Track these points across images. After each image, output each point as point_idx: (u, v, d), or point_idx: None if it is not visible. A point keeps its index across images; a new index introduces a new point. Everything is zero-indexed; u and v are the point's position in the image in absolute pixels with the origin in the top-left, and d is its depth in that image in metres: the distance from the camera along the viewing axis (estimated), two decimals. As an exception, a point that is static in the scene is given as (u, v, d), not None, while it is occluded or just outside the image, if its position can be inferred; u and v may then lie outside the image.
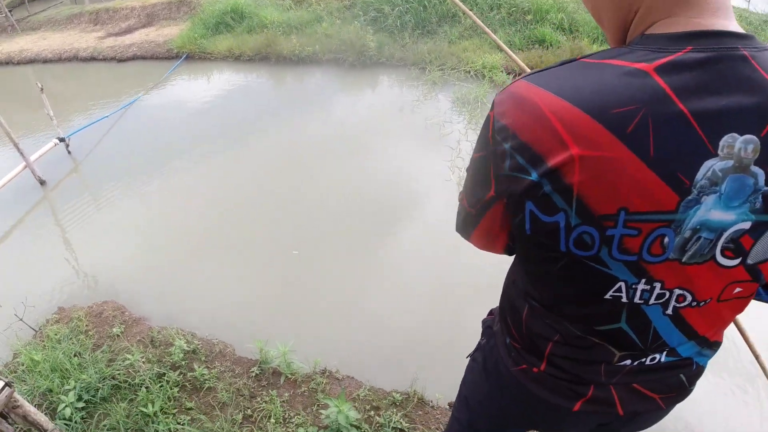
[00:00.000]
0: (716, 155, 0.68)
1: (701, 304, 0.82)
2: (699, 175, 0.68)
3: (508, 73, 7.47)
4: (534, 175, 0.74)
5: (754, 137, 0.67)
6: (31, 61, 12.27)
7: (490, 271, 3.74)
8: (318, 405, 2.94)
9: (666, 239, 0.73)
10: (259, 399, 3.04)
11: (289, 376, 3.17)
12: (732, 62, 0.67)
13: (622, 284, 0.79)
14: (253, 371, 3.25)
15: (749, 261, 0.76)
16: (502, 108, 0.78)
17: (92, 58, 11.24)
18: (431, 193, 5.11)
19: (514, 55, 1.67)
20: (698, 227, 0.72)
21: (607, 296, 0.82)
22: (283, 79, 8.91)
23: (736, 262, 0.76)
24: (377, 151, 6.10)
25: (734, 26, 0.71)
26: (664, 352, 0.94)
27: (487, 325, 1.28)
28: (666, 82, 0.67)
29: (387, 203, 5.02)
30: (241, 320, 3.85)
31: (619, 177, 0.69)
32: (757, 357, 1.74)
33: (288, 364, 3.20)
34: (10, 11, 15.45)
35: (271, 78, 8.98)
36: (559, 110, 0.70)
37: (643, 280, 0.78)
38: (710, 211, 0.71)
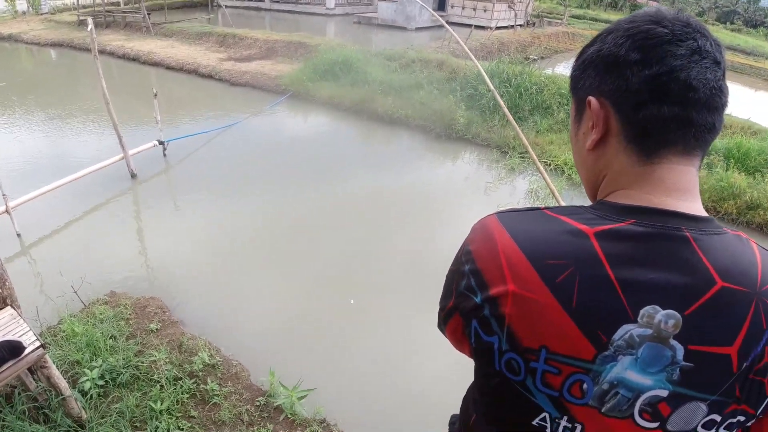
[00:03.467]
0: (635, 321, 0.72)
1: None
2: (616, 335, 0.73)
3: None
4: (479, 298, 0.83)
5: (677, 314, 0.71)
6: (156, 65, 13.69)
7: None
8: (307, 451, 2.99)
9: (585, 385, 0.77)
10: (255, 428, 3.13)
11: (290, 416, 3.24)
12: (669, 241, 0.73)
13: (547, 415, 0.83)
14: (259, 401, 3.35)
15: (669, 428, 0.77)
16: (474, 235, 0.89)
17: (210, 76, 12.39)
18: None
19: (539, 164, 1.76)
20: (615, 383, 0.75)
21: (534, 423, 0.85)
22: (371, 134, 9.37)
23: (655, 425, 0.77)
24: (446, 222, 6.23)
25: (688, 207, 0.77)
26: None
27: (452, 422, 1.32)
28: (601, 247, 0.74)
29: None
30: (268, 349, 4.00)
31: (542, 318, 0.76)
32: None
33: (292, 404, 3.29)
34: (148, 14, 17.39)
35: (362, 130, 9.48)
36: (508, 250, 0.80)
37: (566, 417, 0.81)
38: (626, 370, 0.74)
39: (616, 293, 0.73)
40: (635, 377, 0.75)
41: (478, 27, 19.25)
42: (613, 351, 0.74)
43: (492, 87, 2.08)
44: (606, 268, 0.73)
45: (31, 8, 21.51)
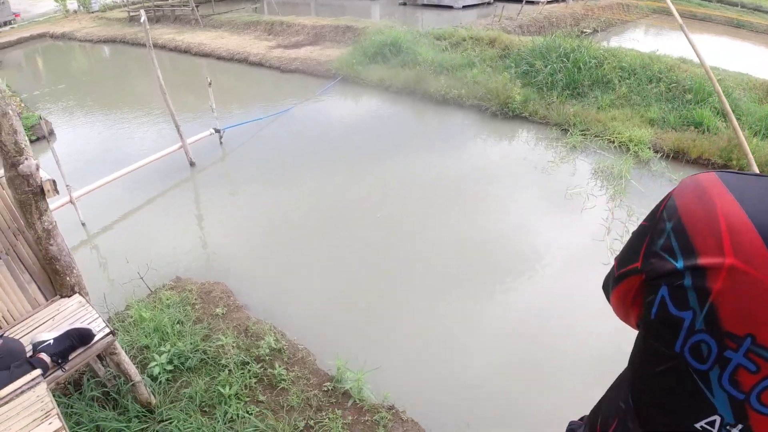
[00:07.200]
0: None
1: None
2: None
3: (656, 152, 6.99)
4: (680, 263, 0.70)
5: None
6: (207, 56, 13.90)
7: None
8: (377, 438, 2.90)
9: None
10: (323, 413, 3.07)
11: (358, 401, 3.17)
12: None
13: (718, 419, 0.70)
14: (326, 386, 3.29)
15: None
16: (682, 190, 0.76)
17: (260, 64, 12.46)
18: (571, 267, 4.76)
19: (735, 122, 1.56)
20: None
21: (698, 426, 0.72)
22: (424, 116, 9.16)
23: None
24: (503, 203, 6.00)
25: None
26: None
27: (570, 429, 1.19)
28: None
29: (513, 263, 4.80)
30: (332, 333, 3.95)
31: (758, 300, 0.63)
32: None
33: (359, 389, 3.21)
34: (197, 6, 17.67)
35: (414, 112, 9.27)
36: (731, 216, 0.66)
37: (740, 426, 0.68)
38: None
39: None
40: None
41: (528, 2, 18.56)
42: None
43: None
44: None
45: (81, 7, 22.24)
